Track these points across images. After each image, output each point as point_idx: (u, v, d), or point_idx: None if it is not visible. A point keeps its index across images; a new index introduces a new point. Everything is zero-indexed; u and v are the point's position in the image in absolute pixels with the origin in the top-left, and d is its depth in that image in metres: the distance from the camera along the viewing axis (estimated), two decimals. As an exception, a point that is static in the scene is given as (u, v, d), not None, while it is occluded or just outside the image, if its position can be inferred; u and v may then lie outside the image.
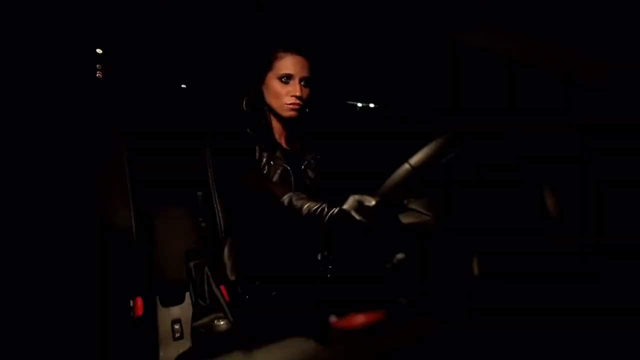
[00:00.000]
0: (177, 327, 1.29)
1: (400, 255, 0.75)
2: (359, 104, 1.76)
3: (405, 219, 0.86)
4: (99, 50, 1.68)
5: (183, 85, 1.86)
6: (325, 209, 0.96)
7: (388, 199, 0.83)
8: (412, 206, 0.89)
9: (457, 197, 0.96)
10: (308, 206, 1.01)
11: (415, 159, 0.82)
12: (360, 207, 0.83)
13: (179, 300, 1.36)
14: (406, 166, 0.82)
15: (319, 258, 1.22)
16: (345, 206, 0.86)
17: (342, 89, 1.73)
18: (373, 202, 0.81)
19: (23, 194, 1.14)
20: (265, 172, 1.34)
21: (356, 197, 0.85)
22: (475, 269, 0.78)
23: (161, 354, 1.24)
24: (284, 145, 1.43)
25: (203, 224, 1.59)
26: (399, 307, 0.67)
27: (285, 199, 1.08)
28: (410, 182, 0.82)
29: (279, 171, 1.36)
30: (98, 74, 1.67)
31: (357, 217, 0.81)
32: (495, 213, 0.93)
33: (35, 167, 1.19)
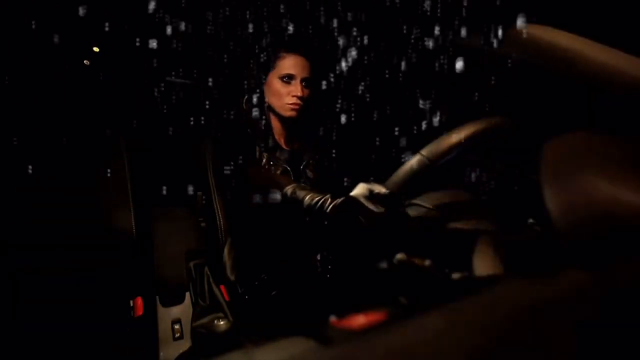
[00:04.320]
0: (177, 327, 1.28)
1: (400, 255, 0.75)
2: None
3: (411, 212, 0.86)
4: (95, 49, 1.67)
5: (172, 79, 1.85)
6: (329, 200, 0.96)
7: (398, 189, 0.82)
8: (417, 201, 0.89)
9: (464, 192, 0.96)
10: (311, 196, 1.01)
11: (427, 150, 0.81)
12: (370, 194, 0.83)
13: (179, 300, 1.36)
14: (418, 156, 0.81)
15: (319, 258, 1.22)
16: (353, 193, 0.86)
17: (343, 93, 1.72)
18: (383, 190, 0.81)
19: (23, 194, 1.14)
20: None
21: (366, 185, 0.85)
22: (476, 268, 0.78)
23: (161, 353, 1.24)
24: (283, 145, 1.43)
25: (203, 224, 1.59)
26: (400, 307, 0.67)
27: (288, 189, 1.08)
28: (422, 173, 0.81)
29: (278, 171, 1.36)
30: (85, 62, 1.66)
31: (366, 203, 0.81)
32: (496, 209, 0.92)
33: (36, 166, 1.18)
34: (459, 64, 0.98)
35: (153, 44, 1.47)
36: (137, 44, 1.73)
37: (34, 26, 1.33)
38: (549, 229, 0.36)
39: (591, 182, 0.35)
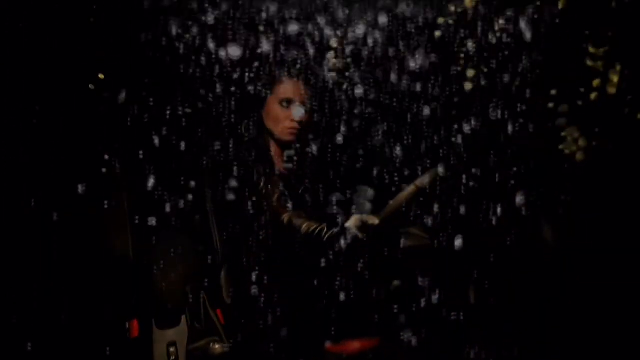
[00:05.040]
0: (172, 349, 1.28)
1: (396, 283, 0.76)
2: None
3: (406, 241, 0.87)
4: (100, 76, 1.70)
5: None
6: (325, 229, 0.97)
7: (392, 219, 0.84)
8: (412, 230, 0.91)
9: (457, 220, 0.98)
10: (307, 225, 1.02)
11: (421, 180, 0.84)
12: (363, 225, 0.84)
13: (175, 323, 1.35)
14: (412, 187, 0.84)
15: (315, 284, 1.22)
16: (347, 224, 0.87)
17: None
18: (377, 222, 0.82)
19: (22, 216, 1.15)
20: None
21: (359, 216, 0.87)
22: (472, 298, 0.79)
23: (156, 376, 1.23)
24: (281, 169, 1.44)
25: (200, 248, 1.59)
26: (394, 334, 0.68)
27: (285, 217, 1.09)
28: (416, 203, 0.83)
29: (276, 195, 1.36)
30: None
31: (360, 235, 0.83)
32: (493, 236, 0.94)
33: (36, 189, 1.20)
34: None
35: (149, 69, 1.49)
36: (134, 70, 1.75)
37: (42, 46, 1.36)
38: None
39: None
